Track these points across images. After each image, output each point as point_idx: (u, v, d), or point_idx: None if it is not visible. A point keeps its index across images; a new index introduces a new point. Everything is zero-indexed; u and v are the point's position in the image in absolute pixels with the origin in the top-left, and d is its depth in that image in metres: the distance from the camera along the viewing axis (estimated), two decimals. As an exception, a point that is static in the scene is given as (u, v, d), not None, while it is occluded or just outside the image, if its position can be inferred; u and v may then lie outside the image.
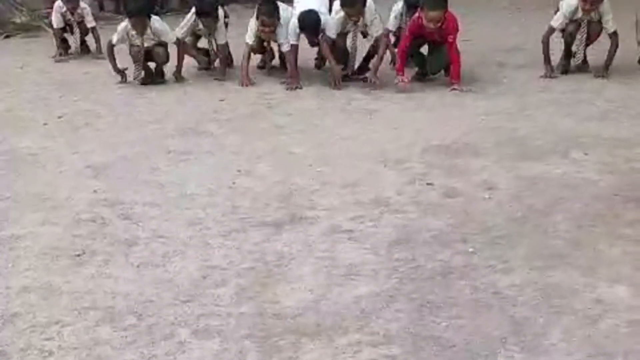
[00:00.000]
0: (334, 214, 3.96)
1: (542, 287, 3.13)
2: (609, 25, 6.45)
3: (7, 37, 9.89)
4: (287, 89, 6.51)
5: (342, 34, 6.61)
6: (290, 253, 3.53)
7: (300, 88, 6.52)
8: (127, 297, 3.16)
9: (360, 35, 6.69)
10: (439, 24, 6.11)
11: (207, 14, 6.79)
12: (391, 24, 6.96)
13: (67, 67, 7.74)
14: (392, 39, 7.04)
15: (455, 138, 5.10)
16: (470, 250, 3.48)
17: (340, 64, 6.60)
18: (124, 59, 6.85)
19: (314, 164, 4.72)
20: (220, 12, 6.96)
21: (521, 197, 4.08)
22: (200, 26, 6.90)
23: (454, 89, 6.25)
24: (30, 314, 3.04)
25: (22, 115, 6.11)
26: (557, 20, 6.50)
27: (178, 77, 6.89)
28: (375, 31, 6.50)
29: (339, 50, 6.64)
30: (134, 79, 6.79)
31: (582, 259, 3.36)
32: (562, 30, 6.60)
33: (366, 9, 6.39)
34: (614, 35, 6.49)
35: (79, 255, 3.56)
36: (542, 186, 4.23)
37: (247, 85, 6.63)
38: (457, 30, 6.24)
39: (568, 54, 6.72)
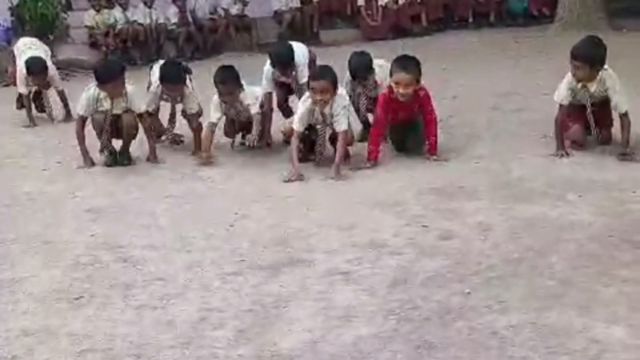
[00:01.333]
0: (331, 256, 3.99)
1: (539, 327, 3.14)
2: (619, 105, 5.50)
3: (6, 85, 10.01)
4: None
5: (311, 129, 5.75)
6: (287, 295, 3.54)
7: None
8: (125, 339, 3.17)
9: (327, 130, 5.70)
10: (411, 90, 5.46)
11: (173, 80, 5.99)
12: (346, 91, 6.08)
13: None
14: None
15: (450, 181, 5.16)
16: (467, 291, 3.50)
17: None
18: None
19: (310, 207, 4.77)
20: (188, 79, 6.17)
21: (516, 238, 4.12)
22: (166, 94, 6.10)
23: (433, 159, 5.67)
24: (29, 356, 3.05)
25: (21, 161, 6.17)
26: (560, 96, 5.63)
27: (152, 158, 5.96)
28: (338, 125, 5.54)
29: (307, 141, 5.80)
30: (105, 163, 5.89)
31: (578, 299, 3.38)
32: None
33: (336, 97, 5.52)
34: (624, 117, 5.49)
35: (77, 299, 3.57)
36: (538, 228, 4.26)
37: (208, 164, 5.78)
38: (431, 102, 5.67)
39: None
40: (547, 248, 3.96)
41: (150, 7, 12.68)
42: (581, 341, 3.02)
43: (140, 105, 5.87)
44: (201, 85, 6.61)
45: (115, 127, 5.80)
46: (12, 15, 12.44)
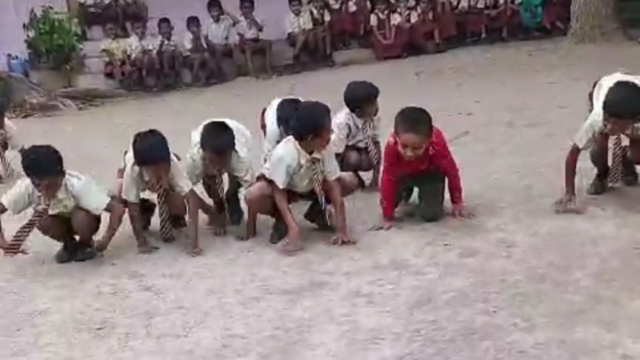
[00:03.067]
0: (352, 278, 3.96)
1: (567, 344, 3.09)
2: None
3: (25, 117, 10.13)
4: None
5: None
6: (310, 319, 3.52)
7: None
8: (149, 369, 3.15)
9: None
10: (421, 151, 4.49)
11: (152, 160, 4.56)
12: (339, 146, 5.30)
13: (75, 144, 7.87)
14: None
15: (470, 197, 5.11)
16: (492, 309, 3.45)
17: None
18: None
19: (329, 229, 4.74)
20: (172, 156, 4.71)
21: (540, 254, 4.07)
22: (147, 177, 4.65)
23: (459, 215, 4.71)
24: (53, 389, 3.04)
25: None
26: (581, 139, 4.67)
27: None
28: (329, 173, 4.59)
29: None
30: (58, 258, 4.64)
31: (604, 315, 3.32)
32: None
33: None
34: None
35: (100, 329, 3.56)
36: (560, 243, 4.21)
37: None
38: (449, 154, 4.77)
39: (602, 171, 4.95)
40: (571, 263, 3.91)
41: (168, 40, 12.79)
42: (610, 358, 2.97)
43: (100, 204, 4.53)
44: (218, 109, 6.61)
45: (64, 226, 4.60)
46: (28, 47, 12.63)
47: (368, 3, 13.76)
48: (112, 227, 4.56)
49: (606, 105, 4.46)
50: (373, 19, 13.47)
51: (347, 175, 4.82)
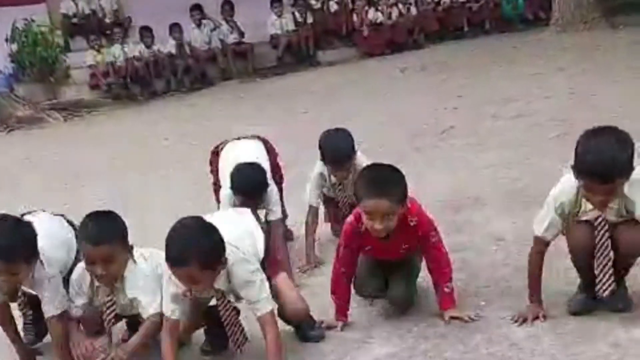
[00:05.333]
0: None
1: (559, 335, 3.10)
2: None
3: (10, 131, 10.10)
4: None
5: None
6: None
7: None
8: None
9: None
10: (393, 222, 3.20)
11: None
12: (312, 197, 4.40)
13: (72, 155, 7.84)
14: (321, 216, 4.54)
15: (458, 191, 5.13)
16: (482, 303, 3.46)
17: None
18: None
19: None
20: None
21: (528, 246, 4.06)
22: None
23: (453, 318, 3.35)
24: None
25: (29, 203, 6.18)
26: (543, 225, 3.19)
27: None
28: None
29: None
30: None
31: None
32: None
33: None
34: None
35: None
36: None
37: None
38: (433, 226, 3.39)
39: (587, 282, 3.24)
40: (560, 254, 3.90)
41: (149, 48, 12.77)
42: (603, 346, 2.97)
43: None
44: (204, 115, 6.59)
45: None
46: (12, 61, 12.59)
47: (349, 2, 13.77)
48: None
49: (579, 163, 2.95)
50: (355, 18, 13.49)
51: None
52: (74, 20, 13.59)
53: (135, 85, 12.71)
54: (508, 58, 10.67)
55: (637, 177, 2.96)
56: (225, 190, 4.13)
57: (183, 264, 2.91)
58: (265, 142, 4.58)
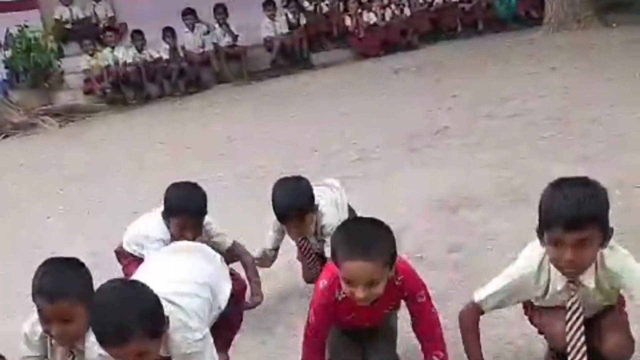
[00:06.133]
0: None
1: (554, 333, 3.10)
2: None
3: (5, 137, 10.09)
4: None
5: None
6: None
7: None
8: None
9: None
10: (380, 289, 2.64)
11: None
12: (267, 242, 3.89)
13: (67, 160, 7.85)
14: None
15: (454, 191, 5.14)
16: (478, 302, 3.46)
17: None
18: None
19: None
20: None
21: (523, 245, 4.07)
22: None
23: None
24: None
25: (25, 207, 6.19)
26: (486, 290, 2.83)
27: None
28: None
29: None
30: None
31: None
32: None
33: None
34: None
35: None
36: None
37: None
38: (421, 284, 2.91)
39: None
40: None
41: (140, 52, 12.76)
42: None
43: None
44: (199, 119, 6.61)
45: None
46: (6, 67, 12.57)
47: (341, 3, 13.78)
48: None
49: (545, 214, 2.59)
50: (347, 19, 13.51)
51: None
52: (68, 25, 13.58)
53: (129, 89, 12.70)
54: (502, 58, 10.69)
55: (614, 245, 2.57)
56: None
57: (125, 341, 2.29)
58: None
